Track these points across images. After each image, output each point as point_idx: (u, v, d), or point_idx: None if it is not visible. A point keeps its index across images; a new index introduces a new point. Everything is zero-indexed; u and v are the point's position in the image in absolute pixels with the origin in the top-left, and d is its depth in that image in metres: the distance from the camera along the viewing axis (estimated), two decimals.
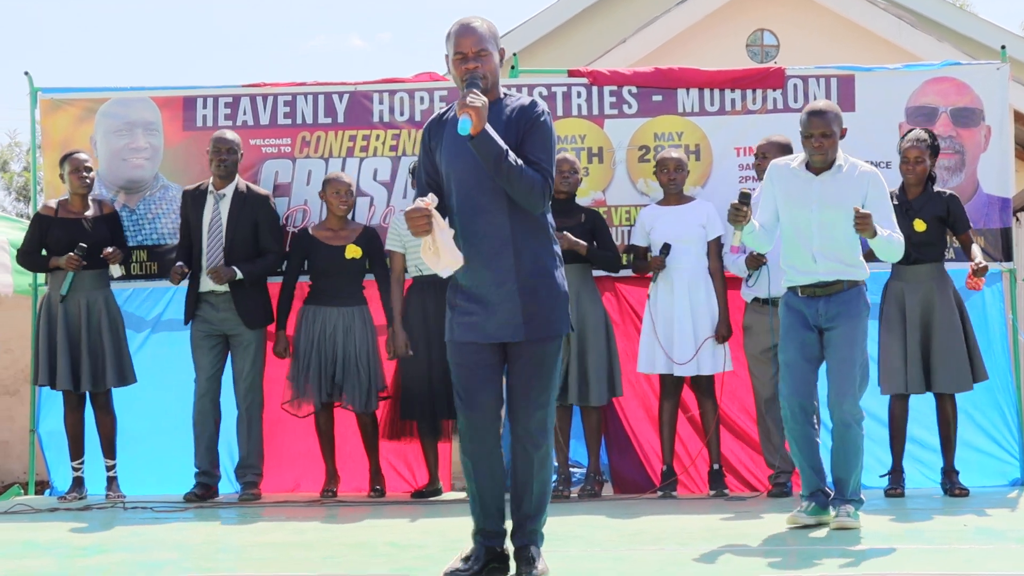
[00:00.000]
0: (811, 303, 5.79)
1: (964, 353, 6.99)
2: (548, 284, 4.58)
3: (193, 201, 7.46)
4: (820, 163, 5.78)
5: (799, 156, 5.94)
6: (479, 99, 4.43)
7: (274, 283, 7.58)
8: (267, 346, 7.52)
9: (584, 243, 7.18)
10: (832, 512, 5.75)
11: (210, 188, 7.44)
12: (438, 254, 4.44)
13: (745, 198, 5.67)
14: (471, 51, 4.55)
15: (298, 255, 7.47)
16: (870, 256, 5.98)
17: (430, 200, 4.41)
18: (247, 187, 7.48)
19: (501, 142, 4.46)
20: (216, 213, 7.40)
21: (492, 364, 4.58)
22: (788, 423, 5.83)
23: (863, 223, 5.57)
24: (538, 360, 4.56)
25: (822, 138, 5.75)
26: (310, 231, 7.50)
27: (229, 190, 7.43)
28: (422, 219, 4.40)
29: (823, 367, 5.86)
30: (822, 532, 5.68)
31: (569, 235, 7.07)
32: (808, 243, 5.76)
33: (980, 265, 6.84)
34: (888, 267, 6.97)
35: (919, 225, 6.96)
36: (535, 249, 4.57)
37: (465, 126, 4.40)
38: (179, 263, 7.36)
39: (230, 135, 7.48)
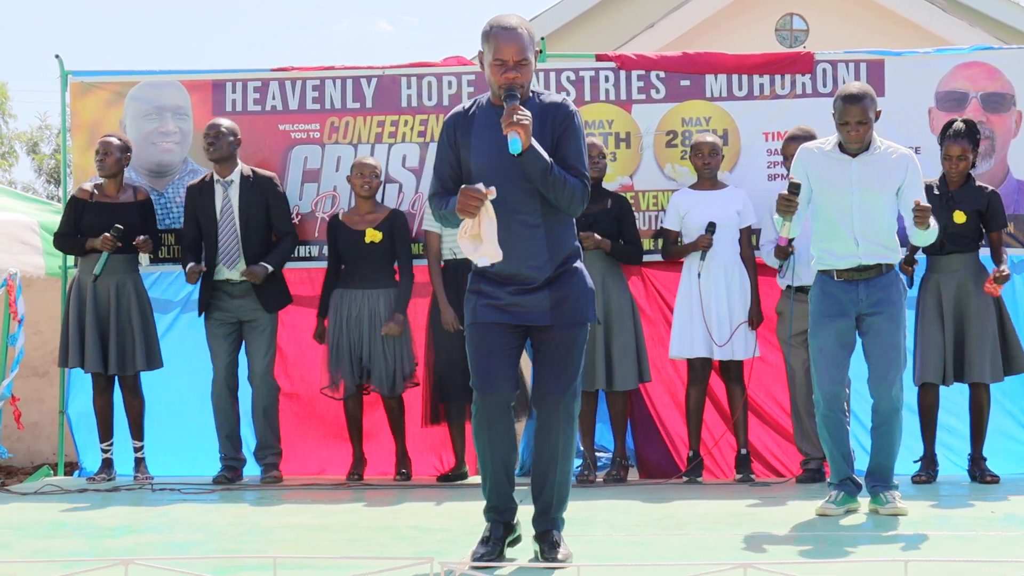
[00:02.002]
0: (849, 288, 5.74)
1: (998, 343, 6.95)
2: (576, 276, 4.63)
3: (200, 193, 7.46)
4: (857, 149, 5.74)
5: (830, 138, 5.89)
6: (526, 116, 4.43)
7: (292, 268, 7.62)
8: (283, 328, 7.57)
9: (608, 241, 7.18)
10: (880, 498, 5.70)
11: (215, 177, 7.45)
12: (480, 242, 4.46)
13: (795, 188, 5.63)
14: (512, 60, 4.52)
15: (332, 242, 7.49)
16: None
17: (492, 190, 4.43)
18: (252, 171, 7.48)
19: (546, 155, 4.49)
20: (226, 200, 7.42)
21: (512, 348, 4.60)
22: (820, 409, 5.81)
23: (924, 216, 5.53)
24: (566, 346, 4.57)
25: (859, 125, 5.68)
26: (340, 217, 7.52)
27: (235, 175, 7.43)
28: (476, 201, 4.41)
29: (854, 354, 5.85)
30: (850, 519, 5.67)
31: (595, 236, 7.07)
32: (849, 227, 5.72)
33: (1004, 273, 6.81)
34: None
35: (959, 217, 6.91)
36: (564, 246, 4.62)
37: (516, 145, 4.41)
38: (192, 264, 7.36)
39: (221, 120, 7.47)
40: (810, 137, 6.99)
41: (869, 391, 5.79)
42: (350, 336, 7.37)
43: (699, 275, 7.17)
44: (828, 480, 5.97)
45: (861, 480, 5.87)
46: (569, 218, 4.66)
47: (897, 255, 5.82)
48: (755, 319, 7.22)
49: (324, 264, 7.72)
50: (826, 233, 5.80)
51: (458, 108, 4.74)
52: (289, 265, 7.63)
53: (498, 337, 4.59)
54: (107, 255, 7.37)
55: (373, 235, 7.38)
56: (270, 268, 7.36)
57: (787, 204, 5.62)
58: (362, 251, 7.38)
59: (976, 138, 7.00)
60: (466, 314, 4.68)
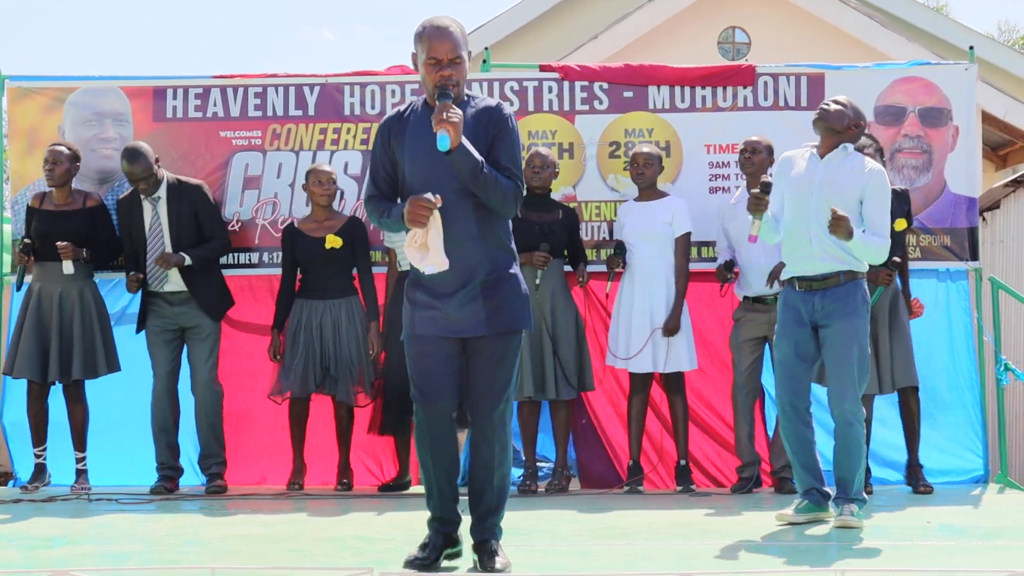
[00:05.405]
0: (807, 298, 5.77)
1: (912, 346, 7.09)
2: (509, 281, 4.61)
3: (129, 209, 7.37)
4: (827, 149, 5.78)
5: (811, 143, 5.97)
6: (456, 114, 4.43)
7: (231, 275, 7.58)
8: (222, 336, 7.48)
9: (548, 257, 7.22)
10: (834, 510, 5.73)
11: (141, 194, 7.36)
12: (426, 251, 4.47)
13: (767, 187, 5.71)
14: (446, 58, 4.53)
15: (288, 250, 7.44)
16: None
17: (439, 199, 4.42)
18: (177, 180, 7.39)
19: (477, 154, 4.48)
20: (155, 215, 7.32)
21: (451, 357, 4.60)
22: (780, 421, 5.88)
23: (836, 225, 5.57)
24: (500, 354, 4.57)
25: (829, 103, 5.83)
26: (296, 224, 7.47)
27: (162, 191, 7.32)
28: (426, 211, 4.42)
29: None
30: (793, 528, 5.71)
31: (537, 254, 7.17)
32: (806, 226, 5.76)
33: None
34: None
35: (900, 224, 6.97)
36: (497, 248, 4.61)
37: (444, 142, 4.41)
38: (132, 272, 7.30)
39: (143, 150, 7.20)
40: (768, 146, 7.11)
41: (828, 404, 5.81)
42: (309, 346, 7.30)
43: (607, 294, 7.35)
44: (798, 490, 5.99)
45: (831, 490, 5.87)
46: (504, 222, 4.65)
47: (857, 263, 5.77)
48: (669, 326, 7.21)
49: (265, 271, 7.70)
50: (788, 232, 5.86)
51: (393, 111, 4.75)
52: (230, 272, 7.58)
53: (436, 348, 4.59)
54: (22, 268, 7.35)
55: (334, 241, 7.33)
56: (187, 259, 7.26)
57: (756, 202, 5.69)
58: (322, 258, 7.33)
59: (880, 147, 7.05)
60: (404, 324, 4.68)
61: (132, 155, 7.23)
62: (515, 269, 4.65)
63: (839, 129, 5.80)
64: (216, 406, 7.41)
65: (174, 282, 7.31)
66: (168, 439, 7.37)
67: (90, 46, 49.25)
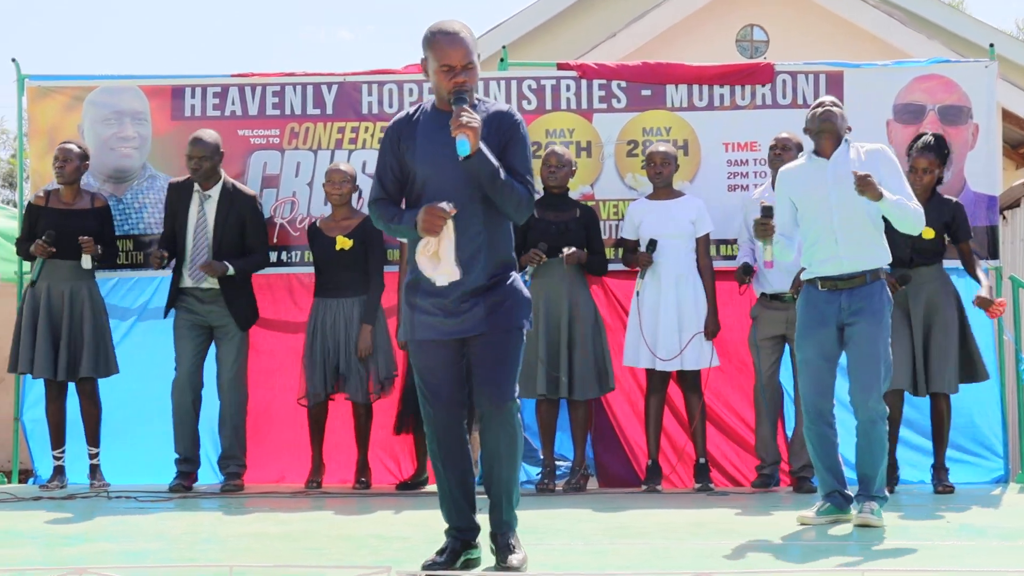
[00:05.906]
0: (832, 298, 5.75)
1: (957, 354, 7.02)
2: (511, 286, 4.60)
3: (179, 196, 7.42)
4: (830, 148, 5.77)
5: (805, 151, 5.98)
6: (475, 119, 4.42)
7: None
8: (250, 338, 7.52)
9: (586, 252, 7.19)
10: (855, 509, 5.71)
11: (196, 187, 7.39)
12: (438, 260, 4.45)
13: (768, 211, 5.69)
14: (459, 64, 4.51)
15: (311, 249, 7.49)
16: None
17: (453, 208, 4.42)
18: (233, 186, 7.43)
19: (494, 159, 4.47)
20: (202, 213, 7.36)
21: (455, 361, 4.59)
22: (804, 422, 5.84)
23: (863, 184, 5.52)
24: (502, 349, 4.55)
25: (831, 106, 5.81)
26: (318, 224, 7.50)
27: (215, 191, 7.37)
28: (441, 220, 4.41)
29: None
30: (812, 528, 5.69)
31: (575, 252, 7.12)
32: (829, 224, 5.73)
33: (997, 300, 6.94)
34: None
35: (928, 233, 6.90)
36: (501, 255, 4.60)
37: (464, 147, 4.39)
38: (162, 248, 7.35)
39: (207, 138, 7.33)
40: (798, 143, 7.04)
41: (850, 401, 5.81)
42: (324, 344, 7.33)
43: (637, 292, 7.24)
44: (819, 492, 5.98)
45: (852, 492, 5.83)
46: (508, 227, 4.64)
47: (882, 259, 5.77)
48: (711, 329, 7.23)
49: (283, 270, 7.76)
50: (810, 239, 5.83)
51: (402, 114, 4.73)
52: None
53: (438, 354, 4.58)
54: (42, 261, 7.37)
55: (343, 242, 7.35)
56: (230, 269, 7.29)
57: (762, 228, 5.69)
58: (333, 258, 7.36)
59: (944, 153, 7.04)
60: (407, 330, 4.67)
61: (196, 138, 7.34)
62: (515, 274, 4.65)
63: (842, 132, 5.81)
64: (240, 408, 7.43)
65: (211, 281, 7.34)
66: (189, 432, 7.38)
67: (108, 45, 49.44)
